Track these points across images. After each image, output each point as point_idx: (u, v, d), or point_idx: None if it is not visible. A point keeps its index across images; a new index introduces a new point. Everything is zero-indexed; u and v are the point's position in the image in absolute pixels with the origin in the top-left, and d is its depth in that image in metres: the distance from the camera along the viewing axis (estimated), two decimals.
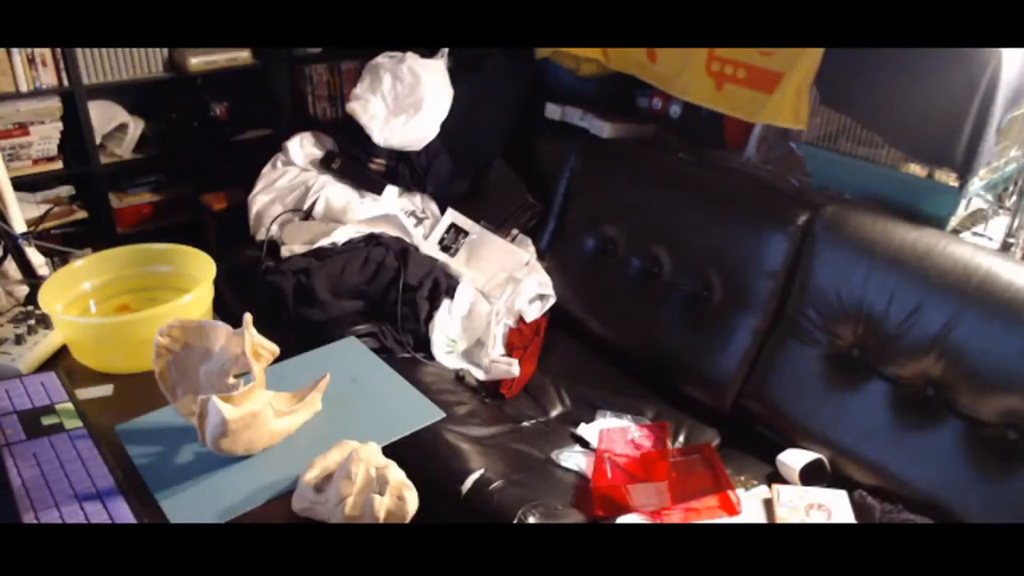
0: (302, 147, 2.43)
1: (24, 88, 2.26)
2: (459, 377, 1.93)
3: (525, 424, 1.81)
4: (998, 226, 1.70)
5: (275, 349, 1.10)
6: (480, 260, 2.21)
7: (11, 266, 1.48)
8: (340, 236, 2.13)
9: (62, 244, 2.36)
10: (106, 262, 1.37)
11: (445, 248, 2.27)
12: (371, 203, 2.32)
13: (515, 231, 2.26)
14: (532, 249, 2.22)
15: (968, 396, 1.46)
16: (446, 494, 1.57)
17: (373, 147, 2.34)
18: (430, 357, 1.96)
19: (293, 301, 1.98)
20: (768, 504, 1.52)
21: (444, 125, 2.36)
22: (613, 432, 1.71)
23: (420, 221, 2.36)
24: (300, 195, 2.32)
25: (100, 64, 2.39)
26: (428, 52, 2.44)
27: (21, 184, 2.24)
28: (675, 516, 1.48)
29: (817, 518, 1.46)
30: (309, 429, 1.13)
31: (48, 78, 2.29)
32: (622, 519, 1.48)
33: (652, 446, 1.68)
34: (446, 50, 2.46)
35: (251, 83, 2.72)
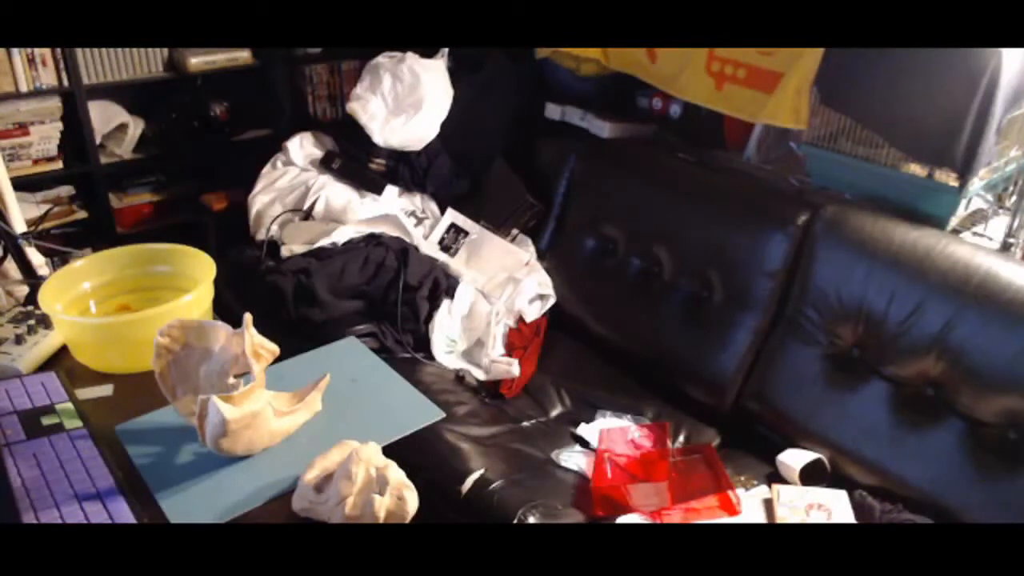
0: (302, 147, 2.43)
1: (24, 88, 2.25)
2: (459, 377, 1.93)
3: (525, 424, 1.81)
4: (998, 226, 1.70)
5: (275, 349, 1.10)
6: (480, 260, 2.21)
7: (11, 266, 1.48)
8: (340, 236, 2.13)
9: (62, 244, 2.36)
10: (106, 262, 1.37)
11: (445, 248, 2.27)
12: (371, 203, 2.32)
13: (515, 231, 2.26)
14: (532, 249, 2.22)
15: (968, 396, 1.46)
16: (446, 494, 1.57)
17: (373, 147, 2.34)
18: (430, 357, 1.96)
19: (293, 301, 1.98)
20: (768, 504, 1.52)
21: (444, 125, 2.36)
22: (613, 432, 1.71)
23: (420, 221, 2.36)
24: (300, 195, 2.32)
25: (100, 64, 2.39)
26: (428, 52, 2.44)
27: (21, 184, 2.24)
28: (675, 516, 1.48)
29: (817, 518, 1.46)
30: (309, 429, 1.13)
31: (48, 78, 2.29)
32: (622, 519, 1.48)
33: (652, 446, 1.68)
34: (446, 50, 2.46)
35: (251, 83, 2.72)
